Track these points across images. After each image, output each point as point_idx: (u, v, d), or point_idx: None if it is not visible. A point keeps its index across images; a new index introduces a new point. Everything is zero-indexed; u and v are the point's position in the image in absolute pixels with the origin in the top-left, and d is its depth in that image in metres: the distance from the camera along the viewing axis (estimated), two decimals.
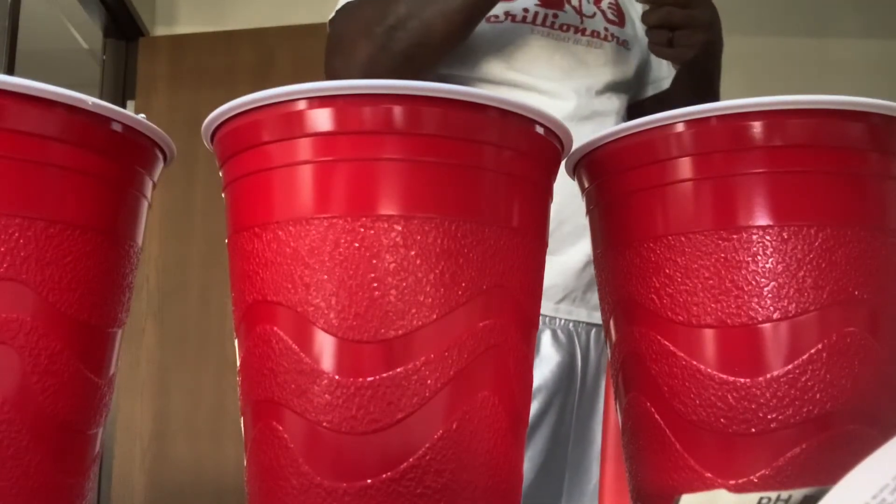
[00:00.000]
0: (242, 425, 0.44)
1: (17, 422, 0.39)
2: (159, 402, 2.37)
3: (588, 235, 0.96)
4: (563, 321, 0.98)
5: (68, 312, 0.40)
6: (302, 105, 0.41)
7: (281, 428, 0.41)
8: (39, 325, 0.39)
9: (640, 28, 1.11)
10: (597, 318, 0.99)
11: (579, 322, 0.99)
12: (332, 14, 0.99)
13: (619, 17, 1.08)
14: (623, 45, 1.07)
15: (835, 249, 0.43)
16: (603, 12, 1.06)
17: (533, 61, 0.99)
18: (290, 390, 0.40)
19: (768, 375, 0.42)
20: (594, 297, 0.99)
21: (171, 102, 2.47)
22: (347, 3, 0.97)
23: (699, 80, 1.00)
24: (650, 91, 1.12)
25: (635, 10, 1.12)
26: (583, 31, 1.03)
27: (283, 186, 0.41)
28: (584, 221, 1.04)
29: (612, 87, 1.04)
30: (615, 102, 1.04)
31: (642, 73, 1.11)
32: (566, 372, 0.97)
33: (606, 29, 1.05)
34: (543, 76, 0.99)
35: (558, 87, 0.99)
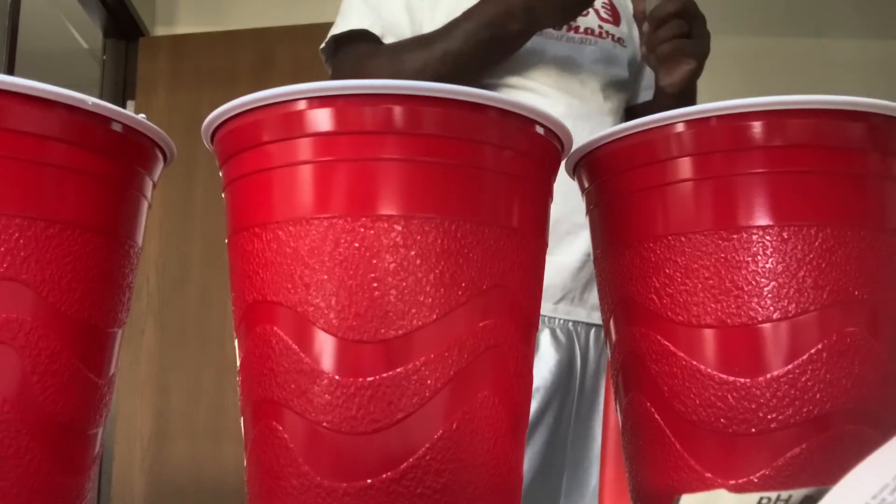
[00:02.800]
0: (242, 425, 0.44)
1: (17, 422, 0.39)
2: (159, 402, 2.37)
3: (585, 234, 0.97)
4: (562, 321, 0.98)
5: (68, 312, 0.40)
6: (302, 105, 0.41)
7: (281, 428, 0.41)
8: (39, 325, 0.39)
9: (635, 28, 1.11)
10: (596, 317, 0.99)
11: (578, 322, 0.99)
12: (324, 44, 1.01)
13: (614, 16, 1.08)
14: (619, 42, 1.07)
15: (835, 249, 0.43)
16: (596, 11, 1.06)
17: (523, 59, 0.99)
18: (290, 390, 0.40)
19: (768, 375, 0.42)
20: (593, 297, 0.99)
21: (171, 102, 2.47)
22: (347, 45, 0.98)
23: (690, 92, 1.00)
24: (644, 97, 1.11)
25: (630, 10, 1.13)
26: (576, 29, 1.03)
27: (283, 186, 0.41)
28: (581, 220, 1.03)
29: (609, 85, 1.04)
30: (612, 101, 1.04)
31: (637, 74, 1.11)
32: (565, 372, 0.97)
33: (600, 26, 1.05)
34: (535, 77, 0.99)
35: (552, 86, 0.99)
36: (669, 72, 0.90)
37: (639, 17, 0.90)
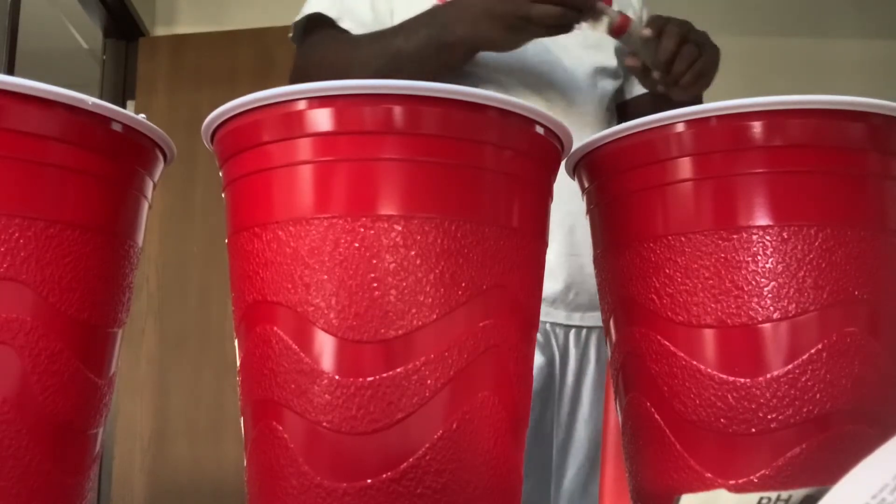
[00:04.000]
0: (242, 425, 0.44)
1: (17, 422, 0.39)
2: (159, 402, 2.37)
3: (563, 234, 0.95)
4: (540, 323, 0.94)
5: (68, 312, 0.40)
6: (302, 105, 0.41)
7: (281, 428, 0.41)
8: (39, 325, 0.39)
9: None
10: (576, 319, 0.97)
11: (557, 324, 0.96)
12: (291, 34, 1.00)
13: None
14: None
15: (835, 249, 0.43)
16: None
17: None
18: (290, 390, 0.40)
19: (768, 375, 0.42)
20: (570, 297, 0.96)
21: (171, 102, 2.47)
22: (311, 34, 0.97)
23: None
24: (639, 90, 1.07)
25: None
26: None
27: (283, 186, 0.41)
28: (559, 218, 1.01)
29: (597, 73, 1.01)
30: (600, 89, 1.01)
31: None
32: (545, 375, 0.95)
33: None
34: (514, 65, 0.95)
35: (533, 78, 0.96)
36: (686, 90, 0.88)
37: (637, 71, 0.88)
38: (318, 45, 0.97)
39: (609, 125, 1.03)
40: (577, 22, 0.84)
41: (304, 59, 0.98)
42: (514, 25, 0.84)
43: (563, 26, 0.84)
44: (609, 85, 1.04)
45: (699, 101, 0.94)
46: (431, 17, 0.88)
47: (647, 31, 0.85)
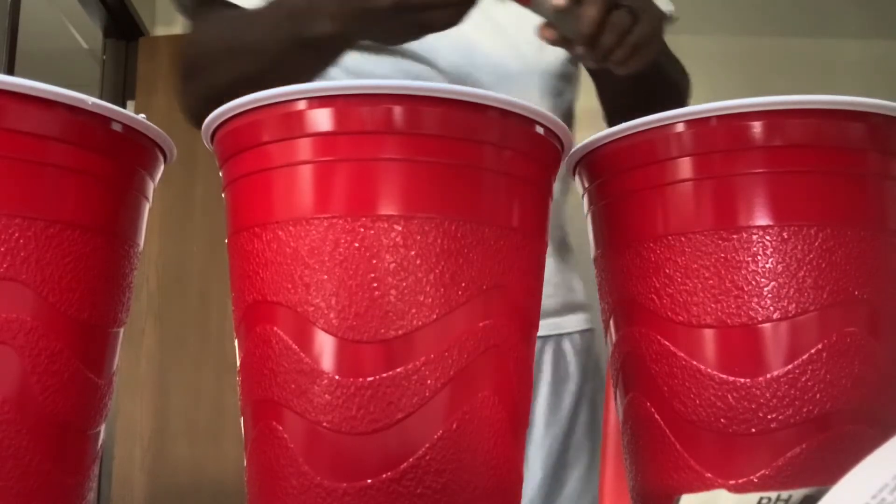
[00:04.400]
0: (242, 425, 0.44)
1: (17, 422, 0.39)
2: (159, 401, 2.37)
3: None
4: None
5: (68, 312, 0.40)
6: (302, 105, 0.41)
7: (281, 428, 0.41)
8: (39, 325, 0.39)
9: None
10: (541, 326, 0.86)
11: None
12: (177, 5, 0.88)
13: None
14: None
15: (835, 249, 0.43)
16: None
17: None
18: (290, 390, 0.40)
19: (768, 375, 0.42)
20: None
21: (171, 102, 2.45)
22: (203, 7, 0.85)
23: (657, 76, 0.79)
24: None
25: None
26: None
27: (283, 186, 0.41)
28: None
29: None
30: (544, 57, 0.87)
31: None
32: None
33: None
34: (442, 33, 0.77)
35: (463, 44, 0.83)
36: (623, 65, 0.69)
37: (562, 44, 0.69)
38: (198, 27, 0.83)
39: (562, 98, 0.90)
40: (471, 7, 0.67)
41: (186, 41, 0.83)
42: (402, 29, 0.68)
43: (459, 17, 0.67)
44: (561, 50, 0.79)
45: (651, 71, 0.75)
46: (291, 7, 0.71)
47: (560, 1, 0.65)
